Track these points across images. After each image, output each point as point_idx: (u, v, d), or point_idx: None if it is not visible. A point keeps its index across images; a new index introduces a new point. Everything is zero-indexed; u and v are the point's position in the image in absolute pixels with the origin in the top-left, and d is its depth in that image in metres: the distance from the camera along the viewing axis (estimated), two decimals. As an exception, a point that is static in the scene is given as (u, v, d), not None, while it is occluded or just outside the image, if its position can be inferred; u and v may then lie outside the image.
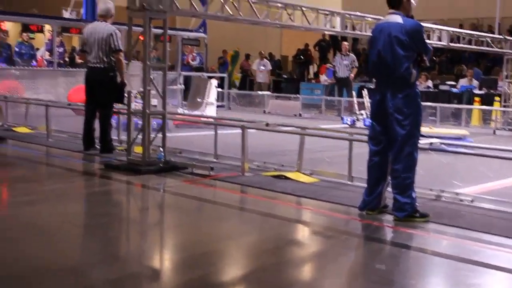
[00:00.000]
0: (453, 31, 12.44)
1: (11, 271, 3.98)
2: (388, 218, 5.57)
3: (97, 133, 8.73)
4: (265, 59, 22.21)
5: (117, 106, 8.91)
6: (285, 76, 25.91)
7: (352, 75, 17.87)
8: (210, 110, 13.62)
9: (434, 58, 21.06)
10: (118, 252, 4.65)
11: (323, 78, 20.72)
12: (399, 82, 5.42)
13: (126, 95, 7.98)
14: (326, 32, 18.19)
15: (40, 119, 10.91)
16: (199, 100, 13.73)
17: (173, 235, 5.26)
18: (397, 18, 5.48)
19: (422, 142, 5.71)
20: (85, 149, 8.75)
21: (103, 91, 8.52)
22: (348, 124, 14.52)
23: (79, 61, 17.92)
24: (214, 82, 14.22)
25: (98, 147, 8.70)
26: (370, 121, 5.76)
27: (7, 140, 9.93)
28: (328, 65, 17.77)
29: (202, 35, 19.91)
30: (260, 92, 20.21)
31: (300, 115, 17.57)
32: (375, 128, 5.62)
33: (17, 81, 15.07)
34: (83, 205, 6.31)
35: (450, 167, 7.94)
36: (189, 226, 5.44)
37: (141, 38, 7.83)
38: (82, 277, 3.95)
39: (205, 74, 18.48)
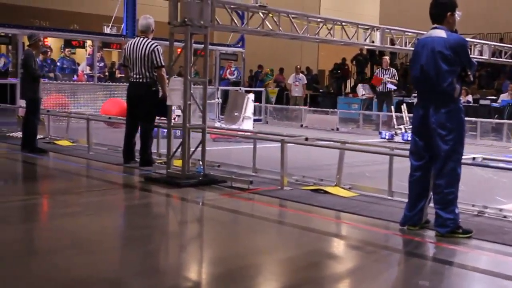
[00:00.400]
0: (494, 45, 12.26)
1: (54, 282, 4.03)
2: (430, 233, 5.49)
3: (138, 146, 8.84)
4: (300, 74, 22.23)
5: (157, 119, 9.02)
6: (322, 91, 25.87)
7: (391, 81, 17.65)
8: (247, 124, 13.66)
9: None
10: (157, 265, 4.67)
11: (361, 92, 20.57)
12: (442, 97, 5.35)
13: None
14: (366, 47, 18.05)
15: (80, 132, 11.11)
16: (236, 114, 13.78)
17: (211, 248, 5.26)
18: (441, 33, 5.42)
19: (465, 157, 5.61)
20: (125, 162, 8.85)
21: (145, 105, 8.64)
22: (386, 138, 14.39)
23: (119, 75, 18.23)
24: (251, 97, 14.27)
25: (138, 160, 8.80)
26: (412, 136, 5.69)
27: (49, 153, 10.11)
28: (388, 79, 17.32)
29: (240, 49, 20.04)
30: (297, 107, 20.20)
31: (337, 129, 17.49)
32: (417, 143, 5.56)
33: (64, 95, 15.36)
34: (123, 217, 6.38)
35: (493, 183, 7.79)
36: (227, 240, 5.44)
37: (179, 52, 7.92)
38: (123, 288, 3.99)
39: (243, 89, 18.61)
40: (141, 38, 8.68)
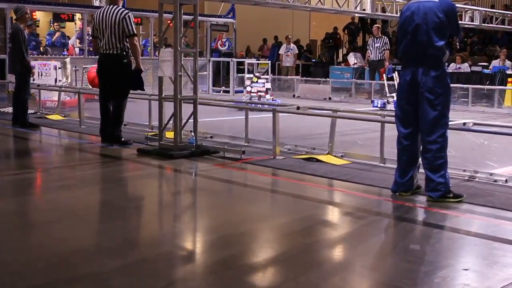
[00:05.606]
0: (485, 11, 12.24)
1: (50, 253, 4.06)
2: (421, 199, 5.54)
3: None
4: (292, 44, 22.15)
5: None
6: (314, 60, 25.77)
7: (387, 58, 17.55)
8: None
9: (464, 39, 20.71)
10: (152, 234, 4.70)
11: (352, 60, 20.51)
12: (432, 61, 5.36)
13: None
14: (356, 15, 17.95)
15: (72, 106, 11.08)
16: None
17: (205, 217, 5.31)
18: None
19: (455, 122, 5.64)
20: (103, 141, 8.45)
21: (117, 79, 8.12)
22: (378, 107, 14.42)
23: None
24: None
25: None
26: (399, 103, 5.68)
27: (41, 128, 10.08)
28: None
29: (231, 20, 19.91)
30: (289, 77, 20.15)
31: (329, 98, 17.50)
32: (405, 110, 5.55)
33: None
34: (117, 189, 6.37)
35: (484, 148, 7.85)
36: (221, 208, 5.47)
37: (170, 24, 7.84)
38: (117, 257, 4.01)
39: (235, 60, 18.52)
40: (111, 6, 8.11)
